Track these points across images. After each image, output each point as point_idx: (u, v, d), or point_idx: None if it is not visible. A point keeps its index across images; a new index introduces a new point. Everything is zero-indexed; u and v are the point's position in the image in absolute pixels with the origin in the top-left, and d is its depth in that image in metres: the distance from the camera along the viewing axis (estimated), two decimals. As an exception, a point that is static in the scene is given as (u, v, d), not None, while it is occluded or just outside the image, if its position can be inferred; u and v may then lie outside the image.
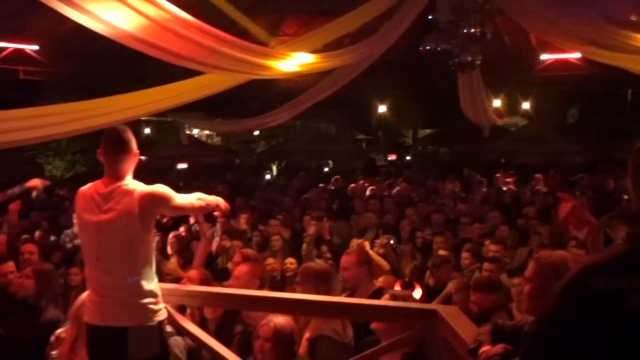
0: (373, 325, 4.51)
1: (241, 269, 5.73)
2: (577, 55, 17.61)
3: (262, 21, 17.46)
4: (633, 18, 12.24)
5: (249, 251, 7.04)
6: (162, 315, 4.20)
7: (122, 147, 4.24)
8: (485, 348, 3.24)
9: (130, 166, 4.27)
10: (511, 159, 20.67)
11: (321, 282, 5.18)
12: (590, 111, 23.86)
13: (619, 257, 2.03)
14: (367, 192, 15.18)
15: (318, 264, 6.27)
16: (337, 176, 18.08)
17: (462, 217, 11.21)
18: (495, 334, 3.36)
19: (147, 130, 28.71)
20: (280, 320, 4.35)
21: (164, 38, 7.43)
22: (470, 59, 12.87)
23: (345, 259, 5.90)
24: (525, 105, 24.44)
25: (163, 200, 4.22)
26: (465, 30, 12.60)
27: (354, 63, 13.72)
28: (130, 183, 4.18)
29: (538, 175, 16.51)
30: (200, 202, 4.46)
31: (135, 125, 22.11)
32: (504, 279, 7.02)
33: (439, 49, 12.71)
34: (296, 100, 16.40)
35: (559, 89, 21.76)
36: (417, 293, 6.65)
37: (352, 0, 13.70)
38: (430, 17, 13.68)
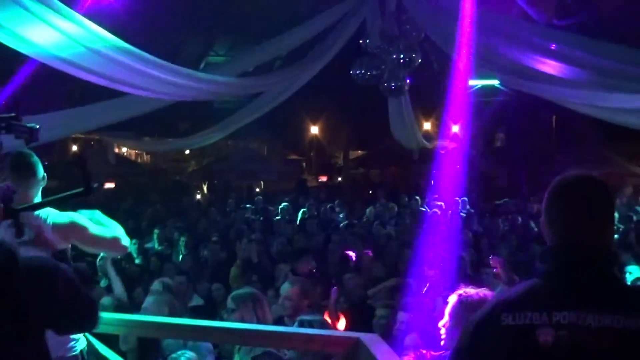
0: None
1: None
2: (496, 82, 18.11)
3: (194, 41, 17.39)
4: (552, 47, 12.59)
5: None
6: (82, 344, 4.08)
7: (30, 172, 4.08)
8: None
9: (38, 193, 4.11)
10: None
11: (258, 306, 5.20)
12: (516, 136, 24.46)
13: (530, 293, 2.07)
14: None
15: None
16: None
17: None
18: None
19: (74, 148, 28.05)
20: None
21: (94, 61, 7.33)
22: (399, 84, 13.04)
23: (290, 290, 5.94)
24: (455, 129, 24.88)
25: (78, 230, 4.07)
26: (394, 56, 12.78)
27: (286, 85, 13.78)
28: (41, 211, 3.99)
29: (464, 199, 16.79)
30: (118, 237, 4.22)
31: (62, 142, 21.59)
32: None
33: (368, 73, 12.84)
34: (228, 120, 16.33)
35: (487, 114, 22.25)
36: (342, 324, 6.68)
37: (283, 22, 13.81)
38: (360, 41, 13.83)
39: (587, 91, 9.66)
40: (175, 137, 20.92)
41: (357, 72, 12.90)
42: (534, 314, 2.00)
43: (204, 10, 15.67)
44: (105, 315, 4.68)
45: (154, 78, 8.99)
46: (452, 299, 3.52)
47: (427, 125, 23.33)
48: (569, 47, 11.06)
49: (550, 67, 11.21)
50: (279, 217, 13.99)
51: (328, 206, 14.88)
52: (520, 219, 13.70)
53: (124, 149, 27.47)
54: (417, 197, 17.03)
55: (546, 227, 2.19)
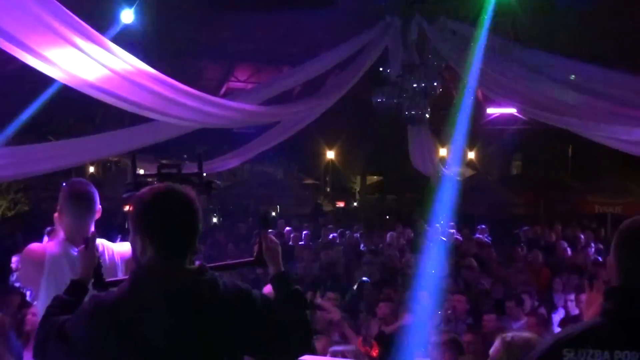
0: None
1: None
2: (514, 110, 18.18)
3: (214, 67, 17.58)
4: (572, 77, 12.65)
5: None
6: None
7: (91, 204, 3.80)
8: None
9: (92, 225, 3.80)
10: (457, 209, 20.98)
11: None
12: (533, 164, 24.49)
13: (592, 330, 2.13)
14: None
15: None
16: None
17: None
18: None
19: (92, 169, 28.21)
20: None
21: (121, 87, 7.44)
22: (419, 112, 13.14)
23: None
24: (471, 156, 24.95)
25: None
26: (414, 85, 12.91)
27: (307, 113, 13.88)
28: (101, 243, 3.71)
29: (483, 227, 16.77)
30: None
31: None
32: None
33: (389, 102, 12.96)
34: (246, 147, 16.44)
35: (504, 142, 22.31)
36: (375, 352, 6.70)
37: (303, 49, 13.94)
38: (380, 69, 13.95)
39: (606, 124, 9.68)
40: (192, 161, 20.99)
41: (378, 100, 13.01)
42: (596, 351, 2.07)
43: (226, 35, 15.89)
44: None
45: (178, 104, 9.06)
46: (497, 341, 3.53)
47: (443, 152, 23.34)
48: (586, 79, 11.13)
49: (569, 97, 11.27)
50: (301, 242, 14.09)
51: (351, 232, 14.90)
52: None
53: (142, 171, 27.55)
54: (438, 225, 17.02)
55: (613, 268, 2.25)
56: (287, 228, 16.43)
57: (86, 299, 2.68)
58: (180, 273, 2.42)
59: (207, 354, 2.34)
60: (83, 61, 6.79)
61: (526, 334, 3.59)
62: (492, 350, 3.49)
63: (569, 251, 12.99)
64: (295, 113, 13.11)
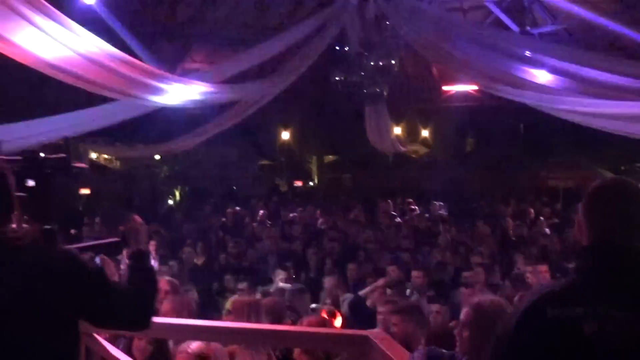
0: (296, 355, 4.55)
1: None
2: (476, 87, 18.37)
3: (169, 47, 17.33)
4: (527, 54, 12.87)
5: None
6: None
7: None
8: None
9: None
10: (413, 186, 21.27)
11: (252, 313, 5.23)
12: (485, 141, 24.81)
13: (572, 287, 2.23)
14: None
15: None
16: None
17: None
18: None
19: (42, 154, 27.56)
20: (194, 346, 4.30)
21: (83, 67, 7.32)
22: (378, 90, 13.22)
23: None
24: (425, 134, 25.19)
25: None
26: (372, 63, 12.96)
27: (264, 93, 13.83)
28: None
29: (439, 203, 16.99)
30: None
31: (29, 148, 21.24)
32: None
33: (348, 80, 12.99)
34: (203, 129, 16.32)
35: (457, 119, 22.55)
36: (338, 321, 6.78)
37: (260, 30, 13.84)
38: (337, 48, 13.96)
39: (567, 97, 9.90)
40: (146, 143, 20.72)
41: (337, 78, 13.04)
42: (578, 306, 2.16)
43: (181, 16, 15.68)
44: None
45: (141, 83, 8.97)
46: (466, 310, 3.57)
47: (397, 130, 23.52)
48: (544, 55, 11.34)
49: (528, 74, 11.48)
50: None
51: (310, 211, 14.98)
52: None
53: (93, 155, 27.09)
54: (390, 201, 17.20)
55: (584, 228, 2.34)
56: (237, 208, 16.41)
57: None
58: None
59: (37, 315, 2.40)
60: (43, 40, 6.66)
61: (494, 297, 3.64)
62: (462, 316, 3.53)
63: (524, 226, 13.23)
64: (256, 92, 13.05)
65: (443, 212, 15.96)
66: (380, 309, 6.74)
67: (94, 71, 7.82)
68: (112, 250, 3.74)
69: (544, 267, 8.42)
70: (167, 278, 6.87)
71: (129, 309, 2.74)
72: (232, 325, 4.85)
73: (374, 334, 4.38)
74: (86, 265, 2.63)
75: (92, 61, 7.56)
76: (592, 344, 2.11)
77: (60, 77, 7.92)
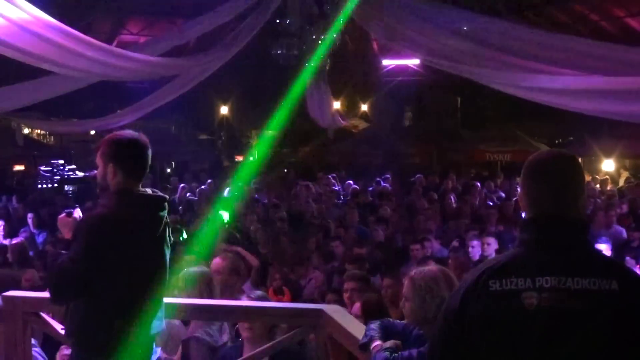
0: (240, 329, 4.52)
1: None
2: (416, 62, 18.48)
3: (105, 19, 16.90)
4: (465, 28, 12.95)
5: None
6: None
7: None
8: (377, 343, 3.41)
9: None
10: (353, 161, 21.38)
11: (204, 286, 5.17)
12: (424, 115, 25.08)
13: (513, 260, 2.26)
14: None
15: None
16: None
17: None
18: (384, 330, 3.52)
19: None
20: None
21: (18, 37, 7.04)
22: (321, 64, 13.17)
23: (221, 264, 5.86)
24: (364, 108, 25.27)
25: None
26: (314, 36, 12.89)
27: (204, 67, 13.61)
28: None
29: (387, 176, 17.08)
30: None
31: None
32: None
33: (289, 53, 12.90)
34: (140, 103, 15.98)
35: (395, 93, 22.69)
36: (286, 299, 6.80)
37: (198, 3, 13.53)
38: (278, 21, 13.81)
39: (508, 72, 10.05)
40: (80, 118, 20.23)
41: (278, 52, 12.93)
42: (519, 279, 2.19)
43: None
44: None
45: (79, 55, 8.65)
46: (406, 282, 3.59)
47: (336, 105, 23.53)
48: (482, 30, 11.45)
49: (465, 47, 11.57)
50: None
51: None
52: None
53: (26, 130, 26.33)
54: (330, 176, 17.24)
55: (524, 201, 2.37)
56: (182, 185, 16.21)
57: None
58: None
59: None
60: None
61: (432, 268, 3.66)
62: (403, 291, 3.57)
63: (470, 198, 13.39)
64: (196, 65, 12.84)
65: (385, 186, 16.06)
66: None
67: (29, 41, 7.52)
68: None
69: (490, 240, 8.57)
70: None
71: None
72: (181, 301, 4.78)
73: (329, 307, 4.43)
74: None
75: (27, 31, 7.26)
76: (533, 317, 2.14)
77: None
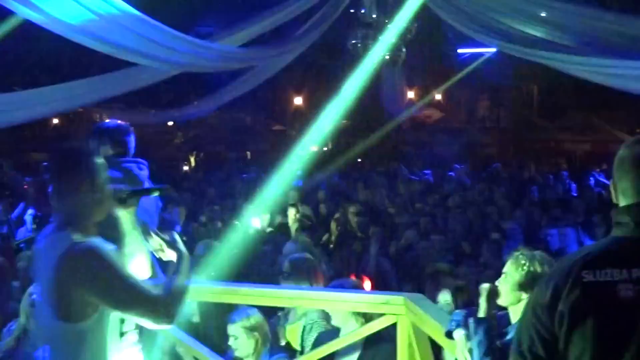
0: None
1: None
2: (492, 49, 18.18)
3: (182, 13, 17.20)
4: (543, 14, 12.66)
5: None
6: None
7: None
8: (463, 331, 3.42)
9: None
10: (428, 150, 21.26)
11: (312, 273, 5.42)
12: (500, 105, 24.70)
13: (609, 250, 2.22)
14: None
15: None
16: None
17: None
18: (470, 319, 3.54)
19: (56, 121, 27.61)
20: None
21: (106, 30, 7.30)
22: (396, 54, 13.11)
23: None
24: (438, 97, 25.05)
25: None
26: (389, 25, 12.82)
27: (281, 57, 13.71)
28: None
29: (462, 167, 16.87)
30: None
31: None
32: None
33: (364, 44, 12.88)
34: (218, 94, 16.26)
35: (472, 83, 22.40)
36: (367, 285, 6.84)
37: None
38: (352, 11, 13.81)
39: (589, 57, 9.79)
40: (159, 109, 20.73)
41: (353, 42, 12.92)
42: (614, 270, 2.14)
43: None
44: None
45: (166, 47, 8.86)
46: (510, 260, 3.60)
47: (410, 94, 23.40)
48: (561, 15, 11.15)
49: (544, 33, 11.32)
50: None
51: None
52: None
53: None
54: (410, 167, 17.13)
55: (618, 190, 2.32)
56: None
57: None
58: None
59: None
60: (67, 5, 6.64)
61: (539, 253, 3.65)
62: (505, 269, 3.58)
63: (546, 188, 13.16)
64: (273, 56, 12.93)
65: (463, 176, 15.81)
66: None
67: (118, 34, 7.77)
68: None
69: (568, 230, 8.42)
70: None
71: None
72: (269, 289, 4.95)
73: (411, 295, 4.45)
74: None
75: (111, 22, 7.50)
76: (630, 310, 2.10)
77: (84, 41, 7.86)
